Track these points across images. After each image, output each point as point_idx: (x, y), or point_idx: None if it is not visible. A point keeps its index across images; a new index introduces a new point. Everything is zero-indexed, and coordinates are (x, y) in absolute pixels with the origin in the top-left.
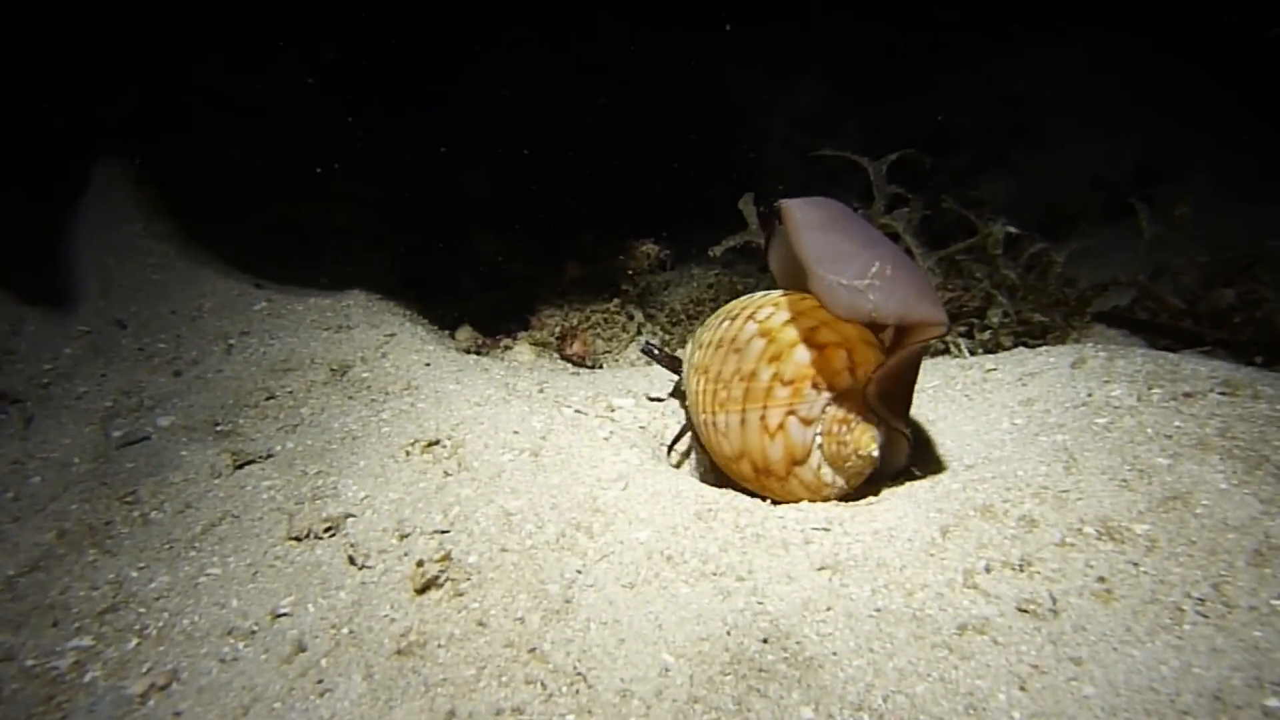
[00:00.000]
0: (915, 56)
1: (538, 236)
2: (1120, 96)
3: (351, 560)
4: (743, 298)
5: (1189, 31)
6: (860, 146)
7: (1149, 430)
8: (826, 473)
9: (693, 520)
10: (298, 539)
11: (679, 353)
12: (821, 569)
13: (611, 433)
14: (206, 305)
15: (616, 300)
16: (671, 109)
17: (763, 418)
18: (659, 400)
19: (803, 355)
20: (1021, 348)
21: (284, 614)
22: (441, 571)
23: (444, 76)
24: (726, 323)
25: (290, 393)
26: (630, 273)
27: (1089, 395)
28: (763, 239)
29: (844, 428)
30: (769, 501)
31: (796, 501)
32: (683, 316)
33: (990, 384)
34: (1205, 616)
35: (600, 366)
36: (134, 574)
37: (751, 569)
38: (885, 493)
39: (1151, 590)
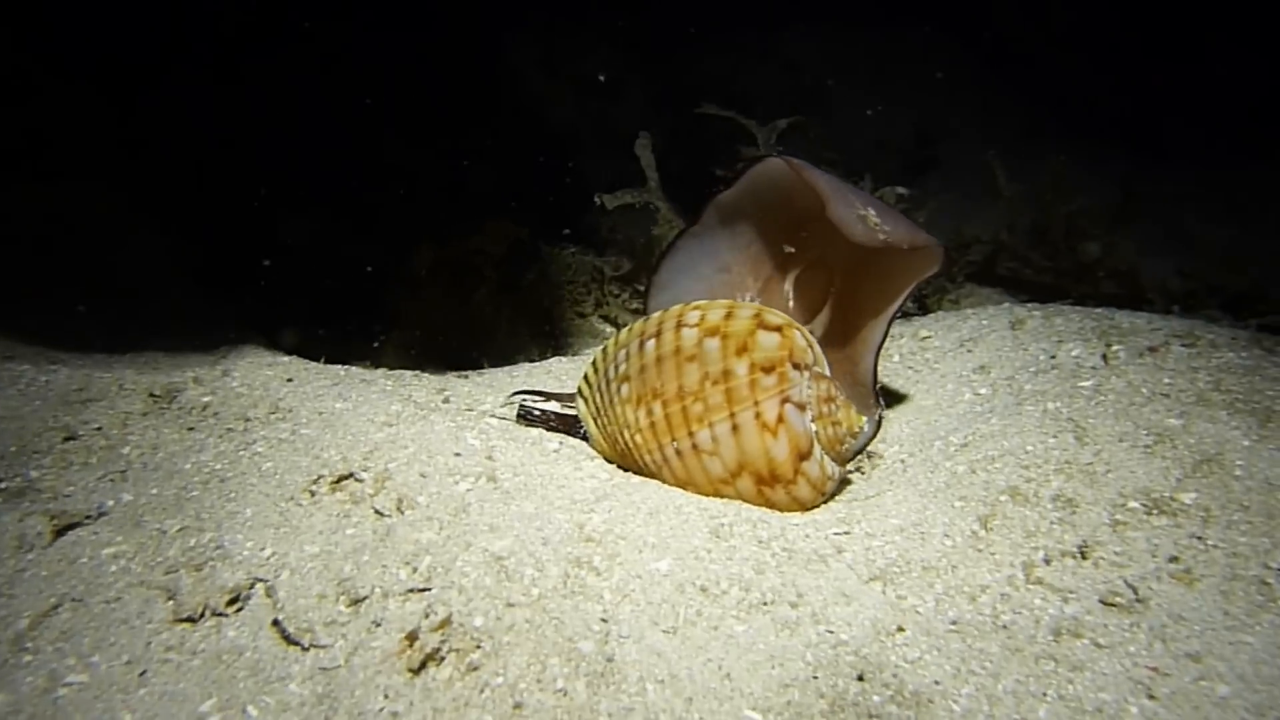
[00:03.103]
0: (697, 20)
1: (361, 220)
2: (886, 64)
3: (288, 639)
4: (643, 320)
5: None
6: (647, 111)
7: (1144, 390)
8: (828, 464)
9: (710, 540)
10: (191, 620)
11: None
12: (871, 580)
13: (560, 443)
14: None
15: (483, 290)
16: (445, 80)
17: (758, 415)
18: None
19: (768, 339)
20: (941, 311)
21: None
22: (442, 641)
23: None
24: (650, 341)
25: (99, 430)
26: (490, 256)
27: (1052, 357)
28: (655, 200)
29: (831, 406)
30: None
31: (801, 509)
32: (546, 303)
33: (931, 353)
34: None
35: (483, 366)
36: None
37: (800, 592)
38: (877, 481)
39: (1229, 565)
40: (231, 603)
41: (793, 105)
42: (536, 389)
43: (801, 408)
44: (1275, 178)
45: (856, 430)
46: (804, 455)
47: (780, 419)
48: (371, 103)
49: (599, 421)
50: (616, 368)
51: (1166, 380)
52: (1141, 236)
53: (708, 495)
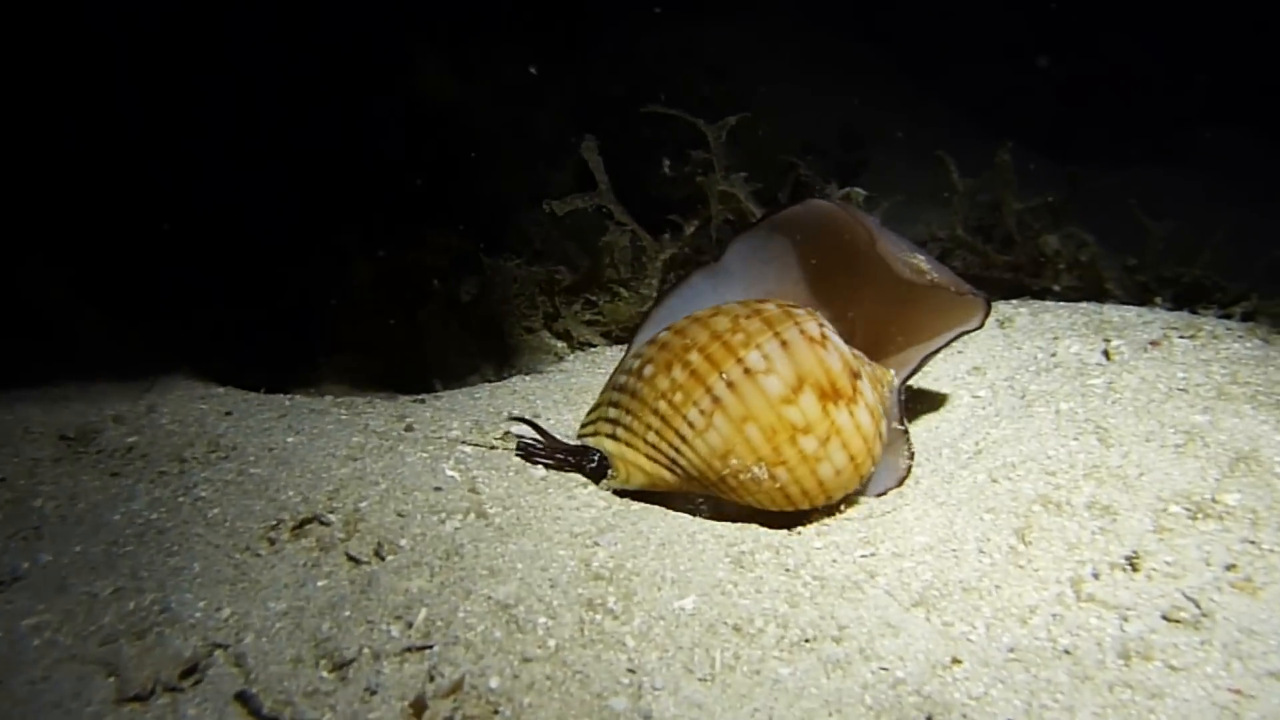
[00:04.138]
0: (611, 21)
1: (290, 236)
2: (804, 67)
3: (260, 716)
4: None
5: (843, 6)
6: (569, 118)
7: (1160, 386)
8: (876, 404)
9: (733, 571)
10: (140, 699)
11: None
12: (914, 607)
13: (548, 470)
14: None
15: (429, 306)
16: (355, 88)
17: (803, 332)
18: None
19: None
20: None
21: None
22: (455, 709)
23: None
24: (663, 331)
25: (3, 481)
26: (434, 270)
27: (1052, 355)
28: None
29: (860, 354)
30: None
31: (866, 450)
32: (495, 318)
33: None
34: None
35: (436, 388)
36: None
37: (842, 624)
38: (891, 495)
39: None
40: (187, 674)
41: (717, 110)
42: (525, 417)
43: (839, 336)
44: (1186, 177)
45: (889, 380)
46: (856, 374)
47: (824, 336)
48: (282, 113)
49: (620, 427)
50: (629, 366)
51: (1180, 375)
52: (1087, 230)
53: (771, 428)
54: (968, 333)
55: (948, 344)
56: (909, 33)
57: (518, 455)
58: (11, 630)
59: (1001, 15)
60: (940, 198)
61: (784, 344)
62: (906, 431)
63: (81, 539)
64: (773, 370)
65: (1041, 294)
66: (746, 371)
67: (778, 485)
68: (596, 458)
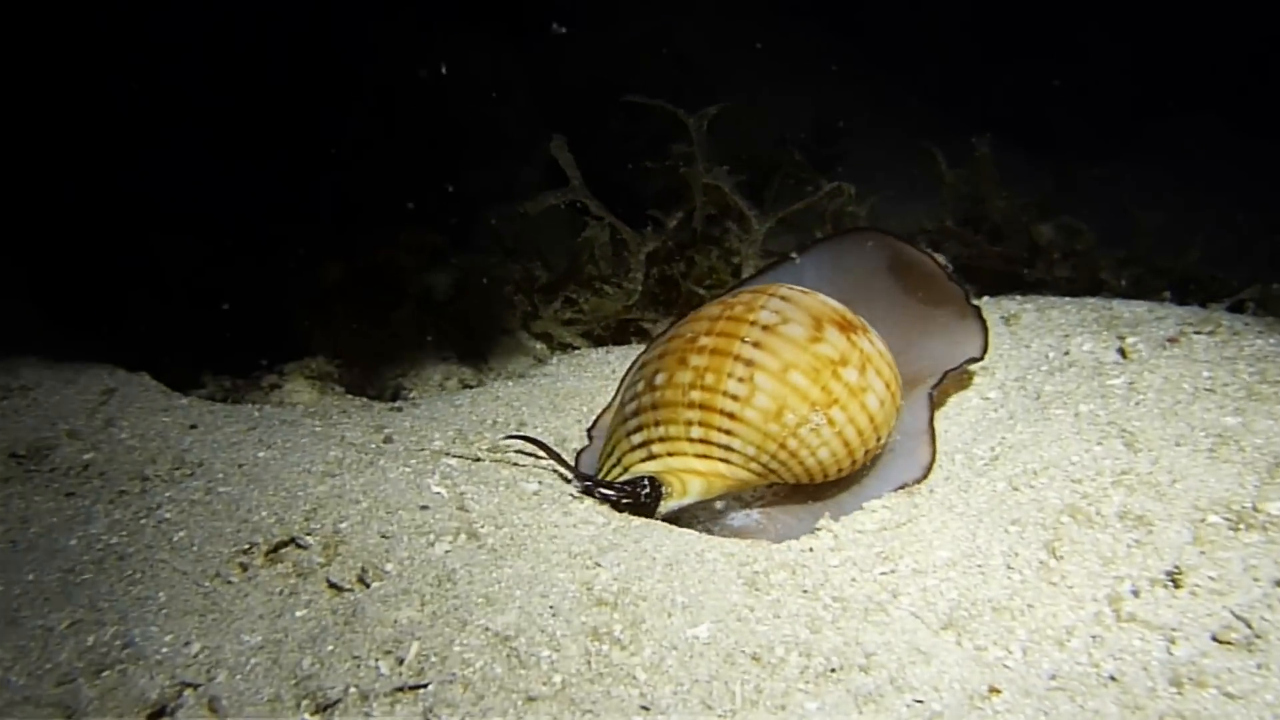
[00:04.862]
0: (578, 12)
1: (249, 235)
2: (773, 59)
3: None
4: None
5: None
6: (537, 112)
7: (1186, 386)
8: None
9: (748, 593)
10: None
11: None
12: (943, 630)
13: (540, 483)
14: None
15: (404, 308)
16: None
17: (791, 288)
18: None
19: None
20: None
21: None
22: None
23: None
24: (660, 346)
25: None
26: (407, 269)
27: (1065, 354)
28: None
29: None
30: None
31: (889, 372)
32: (471, 320)
33: None
34: None
35: (409, 396)
36: None
37: (869, 651)
38: (903, 504)
39: None
40: (154, 718)
41: (690, 103)
42: (525, 434)
43: None
44: (1161, 167)
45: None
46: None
47: (812, 291)
48: (244, 107)
49: (654, 443)
50: (633, 394)
51: (1206, 374)
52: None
53: (813, 368)
54: (974, 360)
55: (961, 366)
56: (880, 26)
57: (580, 492)
58: None
59: (973, 8)
60: (920, 191)
61: (784, 298)
62: (932, 427)
63: (35, 566)
64: (788, 319)
65: (1038, 285)
66: (765, 328)
67: (837, 429)
68: (647, 482)
